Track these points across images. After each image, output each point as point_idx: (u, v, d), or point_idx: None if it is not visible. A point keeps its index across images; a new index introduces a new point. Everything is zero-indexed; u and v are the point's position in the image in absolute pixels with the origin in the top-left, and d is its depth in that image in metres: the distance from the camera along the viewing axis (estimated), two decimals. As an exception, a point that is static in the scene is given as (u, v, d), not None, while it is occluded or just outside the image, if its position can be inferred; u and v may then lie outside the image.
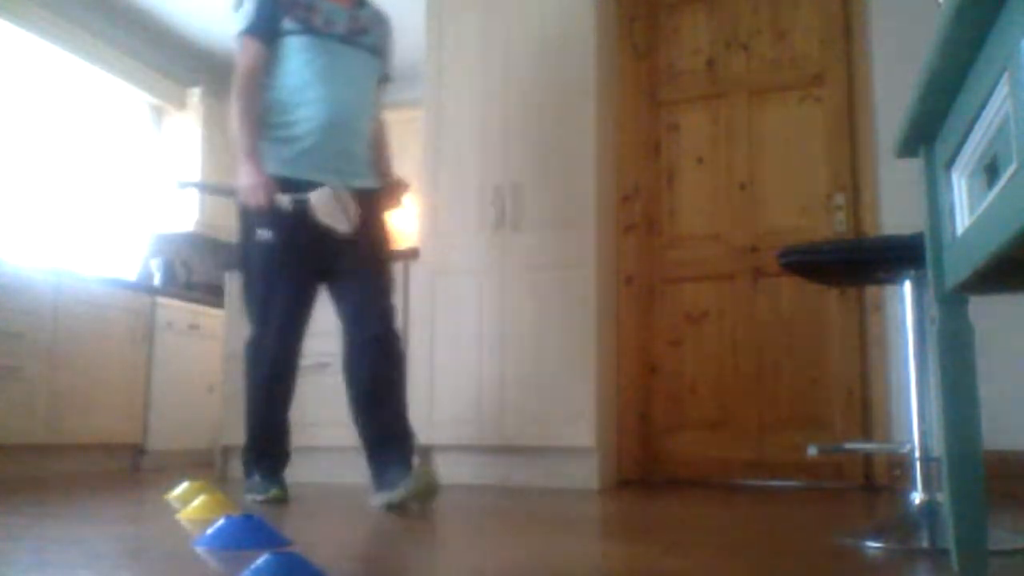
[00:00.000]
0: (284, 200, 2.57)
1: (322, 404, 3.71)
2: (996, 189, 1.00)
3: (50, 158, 4.89)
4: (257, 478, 2.73)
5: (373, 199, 2.76)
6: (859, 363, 3.45)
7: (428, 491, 2.38)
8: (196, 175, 5.56)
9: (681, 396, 3.72)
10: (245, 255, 2.67)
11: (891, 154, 1.59)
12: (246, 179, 2.58)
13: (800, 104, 3.71)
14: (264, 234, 2.56)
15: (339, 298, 2.71)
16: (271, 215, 2.56)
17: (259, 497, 2.64)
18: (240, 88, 2.67)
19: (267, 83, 2.70)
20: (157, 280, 5.36)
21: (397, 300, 2.88)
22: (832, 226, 3.54)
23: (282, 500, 2.67)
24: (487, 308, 3.52)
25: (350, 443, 3.62)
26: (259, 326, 2.64)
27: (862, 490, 3.28)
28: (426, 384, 3.53)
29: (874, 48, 3.54)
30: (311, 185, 2.58)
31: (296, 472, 3.75)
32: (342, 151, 2.67)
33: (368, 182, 2.76)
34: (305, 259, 2.62)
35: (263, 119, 2.68)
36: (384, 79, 2.94)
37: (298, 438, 3.76)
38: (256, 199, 2.56)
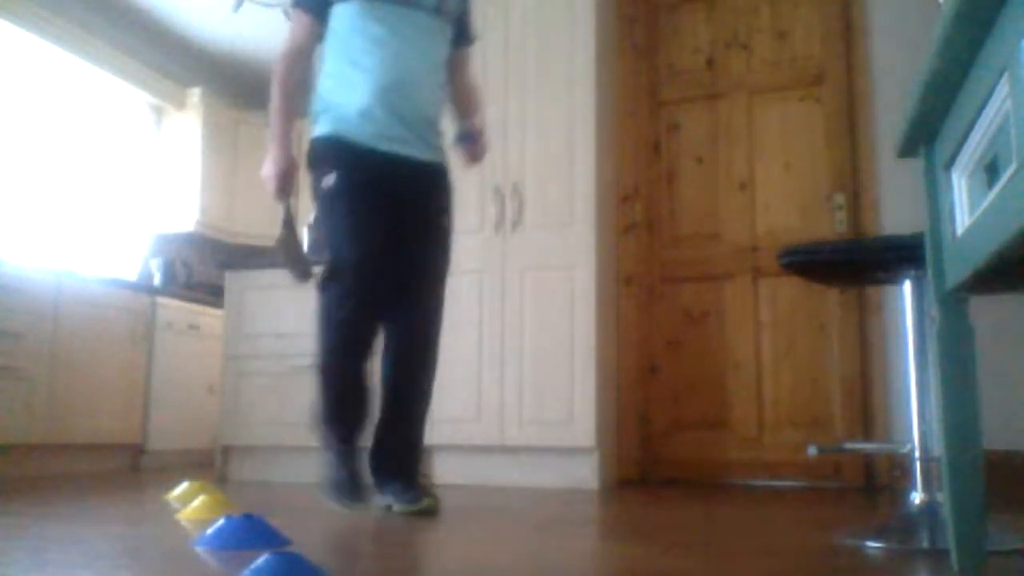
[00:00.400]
0: (287, 206, 2.47)
1: (322, 404, 3.71)
2: (996, 189, 1.00)
3: (50, 158, 4.89)
4: (332, 460, 2.36)
5: (440, 175, 2.54)
6: (859, 363, 3.45)
7: (432, 511, 2.36)
8: (196, 175, 5.57)
9: (681, 396, 3.72)
10: (319, 209, 2.46)
11: (891, 154, 1.59)
12: (268, 167, 2.41)
13: (800, 104, 3.71)
14: (329, 179, 2.36)
15: (388, 288, 2.48)
16: (334, 162, 2.38)
17: (334, 501, 2.30)
18: (283, 65, 2.45)
19: (320, 56, 2.49)
20: (157, 280, 5.36)
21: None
22: (832, 226, 3.54)
23: (360, 500, 2.30)
24: (487, 308, 3.53)
25: (350, 443, 3.63)
26: (333, 274, 2.36)
27: (862, 490, 3.28)
28: (426, 384, 3.52)
29: (874, 48, 3.54)
30: (372, 152, 2.37)
31: (296, 472, 3.76)
32: (404, 121, 2.42)
33: (434, 156, 2.52)
34: (376, 205, 2.37)
35: (321, 92, 2.47)
36: (464, 39, 2.67)
37: (298, 438, 3.77)
38: (273, 191, 2.42)
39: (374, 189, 2.37)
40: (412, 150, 2.44)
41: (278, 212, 2.55)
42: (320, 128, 2.45)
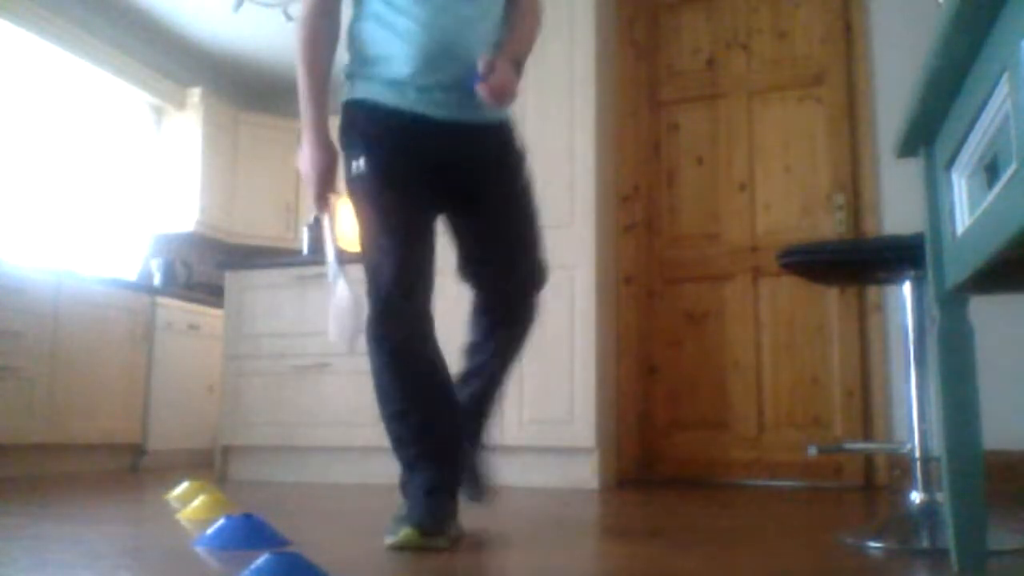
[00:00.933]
0: (320, 214, 2.04)
1: (322, 404, 3.72)
2: (996, 189, 1.00)
3: (50, 158, 4.89)
4: (406, 502, 1.83)
5: (504, 135, 2.09)
6: (859, 363, 3.45)
7: None
8: (196, 175, 5.56)
9: (681, 396, 3.72)
10: (351, 198, 1.96)
11: (891, 154, 1.59)
12: (304, 163, 1.98)
13: (800, 104, 3.71)
14: (359, 165, 1.91)
15: (468, 250, 2.10)
16: (366, 136, 1.92)
17: (389, 539, 1.71)
18: (303, 30, 1.96)
19: (351, 14, 2.01)
20: (157, 280, 5.36)
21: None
22: (832, 226, 3.54)
23: (425, 545, 1.68)
24: (487, 308, 3.52)
25: (350, 443, 3.64)
26: (376, 286, 1.90)
27: (862, 490, 3.28)
28: (426, 384, 3.52)
29: (874, 48, 3.54)
30: (417, 120, 1.91)
31: (296, 472, 3.76)
32: (457, 82, 1.90)
33: (494, 116, 2.02)
34: (412, 190, 1.92)
35: (358, 54, 1.97)
36: None
37: (298, 438, 3.77)
38: (313, 194, 2.00)
39: (418, 172, 1.92)
40: (467, 113, 1.95)
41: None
42: (351, 91, 1.98)
